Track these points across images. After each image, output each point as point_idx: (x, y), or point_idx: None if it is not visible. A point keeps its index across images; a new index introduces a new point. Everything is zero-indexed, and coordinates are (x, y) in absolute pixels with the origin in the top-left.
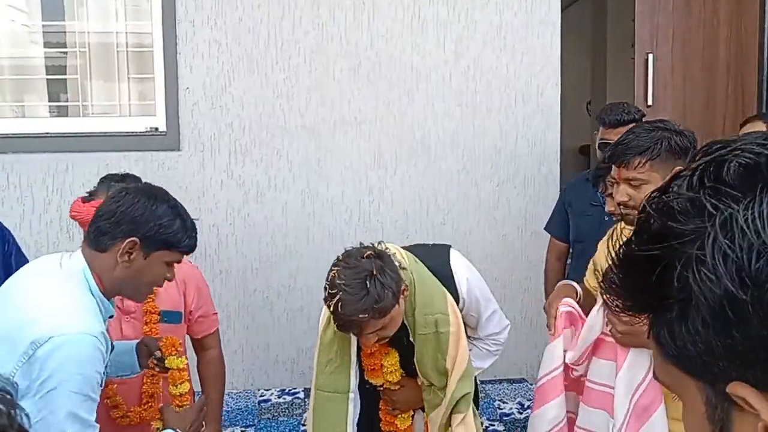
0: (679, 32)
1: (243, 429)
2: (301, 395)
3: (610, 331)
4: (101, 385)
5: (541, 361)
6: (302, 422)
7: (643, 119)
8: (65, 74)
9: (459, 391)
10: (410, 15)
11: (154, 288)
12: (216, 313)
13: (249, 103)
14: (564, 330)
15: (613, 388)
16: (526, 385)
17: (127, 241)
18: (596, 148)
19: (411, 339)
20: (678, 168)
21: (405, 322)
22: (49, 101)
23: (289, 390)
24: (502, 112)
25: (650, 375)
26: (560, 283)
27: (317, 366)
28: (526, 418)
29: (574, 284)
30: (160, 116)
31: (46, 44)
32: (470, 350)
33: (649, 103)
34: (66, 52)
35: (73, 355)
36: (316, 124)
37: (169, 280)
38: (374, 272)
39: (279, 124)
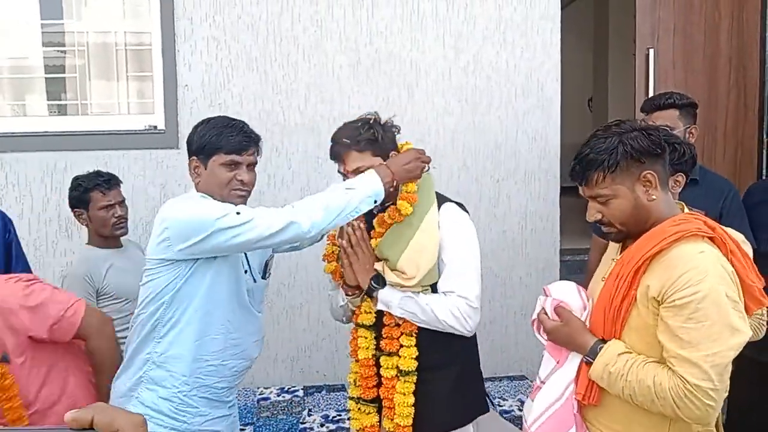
0: (680, 26)
1: (242, 427)
2: (300, 393)
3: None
4: None
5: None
6: (301, 420)
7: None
8: (64, 73)
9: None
10: (409, 10)
11: None
12: (70, 308)
13: (248, 100)
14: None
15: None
16: (527, 383)
17: None
18: None
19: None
20: (647, 173)
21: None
22: (49, 100)
23: (289, 388)
24: (502, 108)
25: (566, 395)
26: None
27: None
28: None
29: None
30: (158, 114)
31: (46, 43)
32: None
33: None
34: (65, 51)
35: None
36: (315, 121)
37: None
38: (373, 119)
39: (278, 121)
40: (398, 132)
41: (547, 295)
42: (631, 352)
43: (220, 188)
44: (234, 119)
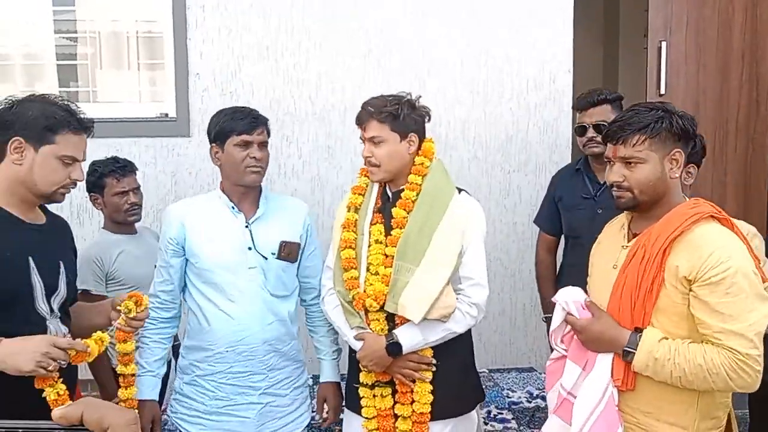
0: (693, 20)
1: None
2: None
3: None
4: None
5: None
6: None
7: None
8: (75, 61)
9: (426, 281)
10: (421, 1)
11: None
12: None
13: (259, 89)
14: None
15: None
16: (536, 375)
17: None
18: (575, 133)
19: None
20: (677, 152)
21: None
22: (60, 87)
23: None
24: (513, 100)
25: (607, 396)
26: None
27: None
28: (536, 407)
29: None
30: (170, 102)
31: (57, 31)
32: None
33: (662, 91)
34: (76, 39)
35: None
36: (326, 110)
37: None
38: (406, 98)
39: (289, 111)
40: (428, 120)
41: (556, 302)
42: (667, 337)
43: (237, 167)
44: (244, 106)
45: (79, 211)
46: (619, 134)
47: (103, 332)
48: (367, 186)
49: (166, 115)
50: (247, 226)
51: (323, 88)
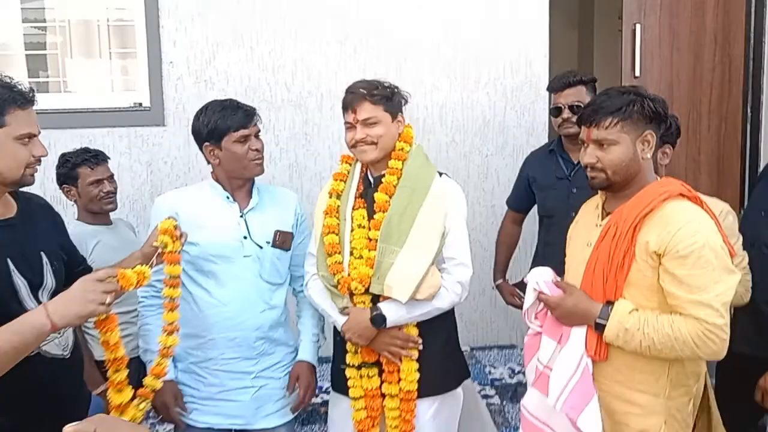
0: (667, 3)
1: None
2: None
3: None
4: None
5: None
6: None
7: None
8: (45, 50)
9: (411, 262)
10: None
11: None
12: None
13: (234, 77)
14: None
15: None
16: (516, 351)
17: None
18: (550, 115)
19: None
20: (649, 133)
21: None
22: (29, 78)
23: None
24: (490, 84)
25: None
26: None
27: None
28: (518, 383)
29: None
30: (143, 91)
31: (25, 20)
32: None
33: (637, 74)
34: (45, 28)
35: None
36: (302, 97)
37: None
38: (389, 81)
39: (265, 98)
40: (405, 103)
41: (526, 282)
42: (638, 309)
43: (240, 162)
44: (225, 100)
45: (51, 203)
46: (593, 117)
47: (142, 266)
48: (348, 173)
49: (140, 104)
50: (242, 216)
51: (299, 74)
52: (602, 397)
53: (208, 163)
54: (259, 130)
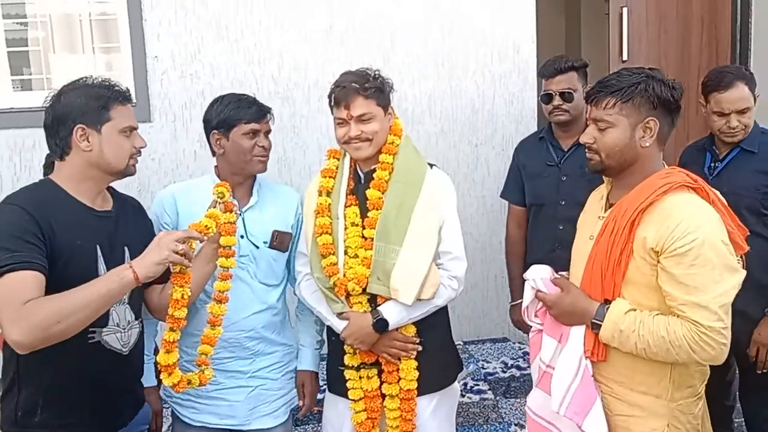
0: None
1: None
2: None
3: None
4: None
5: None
6: None
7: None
8: (27, 47)
9: (413, 261)
10: None
11: None
12: None
13: (220, 70)
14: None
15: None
16: (509, 345)
17: None
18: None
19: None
20: (652, 119)
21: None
22: (12, 75)
23: None
24: (478, 72)
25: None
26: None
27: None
28: (510, 377)
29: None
30: (128, 86)
31: (5, 16)
32: None
33: (624, 57)
34: (26, 24)
35: None
36: (289, 89)
37: None
38: (377, 71)
39: (251, 91)
40: (392, 90)
41: (527, 280)
42: (635, 309)
43: (244, 155)
44: (242, 94)
45: None
46: (594, 95)
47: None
48: (336, 168)
49: None
50: (240, 214)
51: (285, 66)
52: (604, 397)
53: (213, 155)
54: (270, 130)
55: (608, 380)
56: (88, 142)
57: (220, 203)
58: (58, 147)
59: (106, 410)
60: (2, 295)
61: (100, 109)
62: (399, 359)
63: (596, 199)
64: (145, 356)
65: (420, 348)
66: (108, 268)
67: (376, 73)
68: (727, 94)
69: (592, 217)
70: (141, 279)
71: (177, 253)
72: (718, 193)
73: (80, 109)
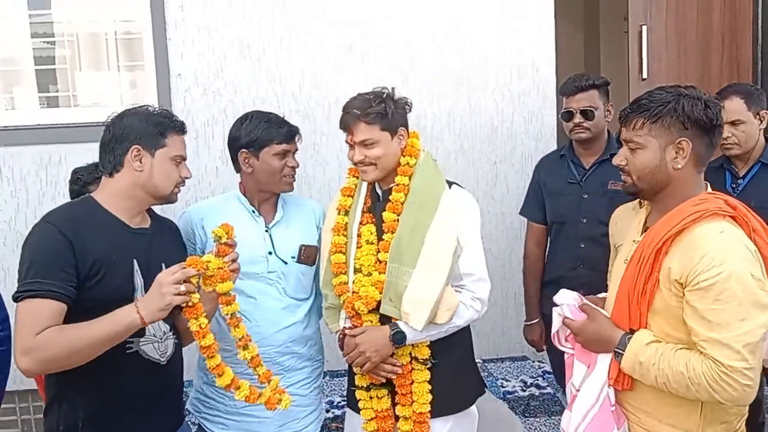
0: (673, 4)
1: None
2: None
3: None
4: None
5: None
6: None
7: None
8: (54, 65)
9: (425, 285)
10: None
11: None
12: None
13: (242, 88)
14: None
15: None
16: (529, 363)
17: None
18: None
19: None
20: (684, 140)
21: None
22: (39, 92)
23: None
24: (497, 90)
25: (602, 398)
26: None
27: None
28: (530, 396)
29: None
30: (152, 104)
31: (33, 35)
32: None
33: (644, 76)
34: (54, 42)
35: None
36: (310, 107)
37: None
38: (386, 93)
39: (272, 109)
40: (409, 110)
41: (557, 305)
42: (659, 341)
43: (274, 176)
44: (269, 113)
45: None
46: (624, 117)
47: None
48: (356, 186)
49: None
50: (267, 231)
51: (306, 85)
52: (632, 426)
53: (237, 171)
54: (298, 149)
55: (636, 410)
56: (141, 163)
57: (215, 246)
58: (111, 163)
59: (147, 422)
60: (19, 322)
61: (158, 134)
62: (411, 382)
63: (629, 217)
64: None
65: (430, 366)
66: (146, 283)
67: (386, 95)
68: None
69: (629, 241)
70: (147, 322)
71: (180, 294)
72: (761, 220)
73: (140, 132)
